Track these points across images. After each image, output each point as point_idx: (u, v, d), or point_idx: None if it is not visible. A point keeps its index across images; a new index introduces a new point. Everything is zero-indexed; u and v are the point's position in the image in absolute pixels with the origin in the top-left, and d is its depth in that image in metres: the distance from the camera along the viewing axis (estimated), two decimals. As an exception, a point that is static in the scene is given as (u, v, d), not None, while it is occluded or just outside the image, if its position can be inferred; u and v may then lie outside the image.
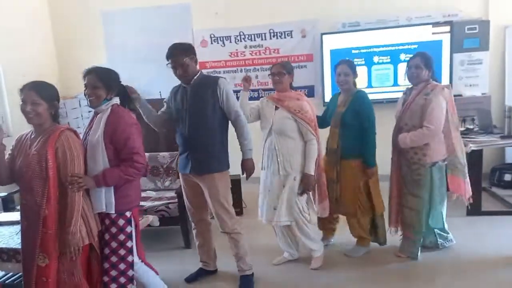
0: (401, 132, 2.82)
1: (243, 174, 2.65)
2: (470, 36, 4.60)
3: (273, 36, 5.03)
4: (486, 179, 4.50)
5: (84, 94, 2.11)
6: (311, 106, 2.75)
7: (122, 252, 2.07)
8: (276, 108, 2.74)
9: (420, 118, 2.71)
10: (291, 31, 4.98)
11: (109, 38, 5.01)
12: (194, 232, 2.81)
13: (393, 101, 4.31)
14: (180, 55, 2.46)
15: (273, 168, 2.73)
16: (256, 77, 5.08)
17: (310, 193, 2.81)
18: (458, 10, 4.60)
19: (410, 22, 4.71)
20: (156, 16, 4.88)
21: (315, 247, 2.87)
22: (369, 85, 4.84)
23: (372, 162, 2.84)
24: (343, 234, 3.19)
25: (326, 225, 3.18)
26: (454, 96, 4.58)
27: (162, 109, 2.70)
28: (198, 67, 2.60)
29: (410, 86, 2.92)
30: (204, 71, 5.07)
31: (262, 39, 5.06)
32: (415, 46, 4.67)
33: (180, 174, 2.71)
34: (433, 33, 4.63)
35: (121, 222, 2.07)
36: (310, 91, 5.08)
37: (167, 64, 2.50)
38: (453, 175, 2.89)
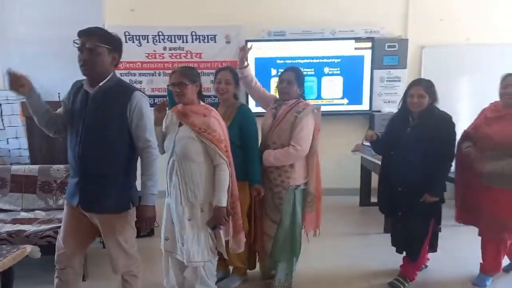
0: (267, 149, 2.59)
1: (138, 224, 2.06)
2: (390, 53, 4.70)
3: (196, 39, 4.70)
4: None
5: None
6: (221, 123, 2.29)
7: None
8: (180, 124, 2.25)
9: (289, 136, 2.52)
10: (214, 36, 4.68)
11: (4, 28, 4.30)
12: (55, 282, 2.09)
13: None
14: (96, 36, 1.88)
15: (176, 197, 2.25)
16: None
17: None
18: (380, 27, 4.68)
19: (334, 35, 4.69)
20: (61, 7, 4.31)
21: None
22: (294, 97, 4.72)
23: (259, 178, 2.57)
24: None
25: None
26: (374, 111, 4.74)
27: (59, 111, 2.07)
28: (113, 70, 1.99)
29: (278, 98, 2.71)
30: (117, 72, 4.64)
31: (183, 42, 4.69)
32: (339, 60, 4.66)
33: (65, 201, 2.10)
34: (355, 48, 4.65)
35: None
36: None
37: (74, 42, 1.87)
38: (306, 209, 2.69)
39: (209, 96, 4.74)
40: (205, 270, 2.33)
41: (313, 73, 4.71)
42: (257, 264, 2.88)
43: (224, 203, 2.22)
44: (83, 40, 1.87)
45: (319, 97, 4.75)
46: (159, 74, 4.71)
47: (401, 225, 2.77)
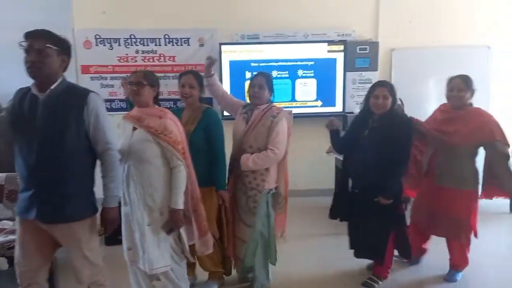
0: (243, 153, 2.57)
1: (101, 226, 2.04)
2: (361, 56, 4.79)
3: (169, 42, 4.66)
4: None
5: None
6: (177, 125, 2.25)
7: None
8: (135, 128, 2.19)
9: (266, 140, 2.53)
10: (188, 39, 4.66)
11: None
12: None
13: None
14: (44, 37, 1.82)
15: (132, 204, 2.18)
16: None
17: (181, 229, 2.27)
18: (351, 31, 4.76)
19: (307, 38, 4.75)
20: (29, 12, 4.16)
21: None
22: (268, 99, 4.74)
23: (224, 184, 2.58)
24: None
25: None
26: (347, 113, 4.81)
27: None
28: (62, 73, 1.93)
29: (247, 103, 2.73)
30: (87, 76, 4.65)
31: (156, 45, 4.64)
32: (312, 62, 4.72)
33: (18, 219, 1.98)
34: (328, 51, 4.72)
35: None
36: (210, 104, 4.78)
37: (20, 44, 1.81)
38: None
39: (180, 100, 4.73)
40: (175, 274, 2.28)
41: (287, 75, 4.74)
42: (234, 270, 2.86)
43: (180, 205, 2.17)
44: (31, 41, 1.81)
45: (293, 99, 4.79)
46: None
47: (360, 228, 2.78)
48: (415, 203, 3.04)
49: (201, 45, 4.68)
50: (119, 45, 4.59)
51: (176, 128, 2.21)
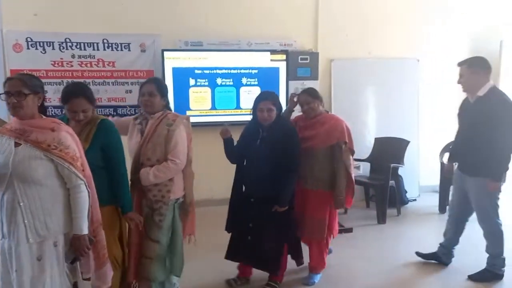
0: (142, 167, 2.40)
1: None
2: (302, 65, 4.94)
3: (108, 47, 4.48)
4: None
5: None
6: (75, 138, 1.95)
7: None
8: (17, 144, 1.82)
9: (164, 151, 2.39)
10: (128, 44, 4.51)
11: None
12: None
13: (236, 123, 4.30)
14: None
15: (18, 235, 1.78)
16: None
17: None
18: (293, 41, 4.91)
19: (251, 47, 4.81)
20: None
21: None
22: (213, 107, 4.73)
23: (131, 205, 2.34)
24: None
25: None
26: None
27: None
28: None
29: (139, 114, 2.57)
30: None
31: (94, 49, 4.44)
32: (256, 71, 4.79)
33: None
34: (271, 60, 4.81)
35: None
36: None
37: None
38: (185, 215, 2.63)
39: (125, 107, 4.57)
40: None
41: (231, 83, 4.76)
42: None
43: (85, 230, 1.90)
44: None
45: (238, 107, 4.81)
46: (67, 83, 4.39)
47: (252, 237, 2.78)
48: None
49: (143, 50, 4.56)
50: (53, 49, 4.32)
51: (73, 142, 1.92)
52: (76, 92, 2.19)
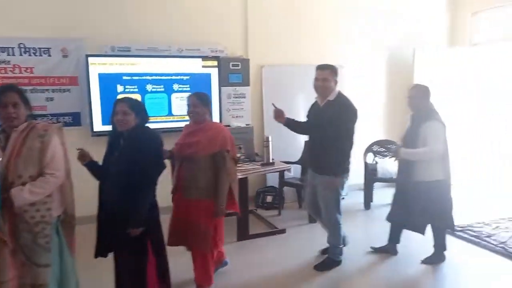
0: (12, 187, 2.06)
1: None
2: (234, 71, 5.01)
3: (25, 52, 4.17)
4: (252, 201, 4.95)
5: None
6: None
7: None
8: None
9: (39, 165, 2.11)
10: (48, 49, 4.24)
11: None
12: None
13: (168, 130, 4.24)
14: None
15: None
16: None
17: None
18: (224, 47, 4.96)
19: (182, 53, 4.77)
20: None
21: None
22: (143, 114, 4.59)
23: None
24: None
25: None
26: (225, 126, 4.92)
27: None
28: None
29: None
30: None
31: (9, 55, 4.11)
32: (188, 77, 4.75)
33: None
34: (203, 66, 4.81)
35: None
36: (75, 119, 4.42)
37: None
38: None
39: (46, 116, 4.27)
40: None
41: (162, 90, 4.68)
42: None
43: None
44: None
45: (170, 113, 4.73)
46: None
47: (115, 266, 2.56)
48: (171, 220, 2.91)
49: (65, 56, 4.31)
50: (-40, 53, 3.93)
51: None
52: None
